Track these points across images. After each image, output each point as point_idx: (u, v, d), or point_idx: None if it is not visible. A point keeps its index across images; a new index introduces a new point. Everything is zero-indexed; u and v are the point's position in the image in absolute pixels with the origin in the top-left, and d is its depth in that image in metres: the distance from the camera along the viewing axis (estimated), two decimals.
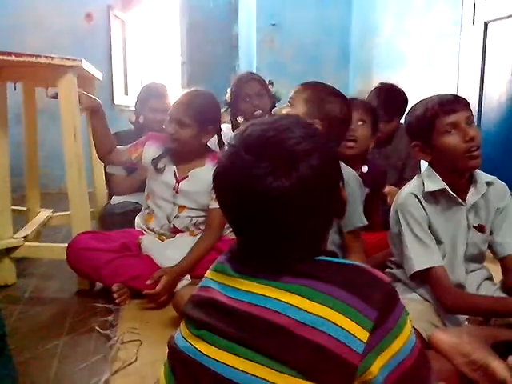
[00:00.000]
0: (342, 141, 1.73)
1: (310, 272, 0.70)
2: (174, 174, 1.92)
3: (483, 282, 1.47)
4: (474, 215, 1.42)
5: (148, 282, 1.70)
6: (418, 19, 3.44)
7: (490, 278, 1.50)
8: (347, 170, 1.63)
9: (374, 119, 2.13)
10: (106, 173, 2.50)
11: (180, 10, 4.69)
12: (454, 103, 1.34)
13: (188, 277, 1.80)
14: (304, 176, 0.67)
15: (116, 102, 4.36)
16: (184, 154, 1.92)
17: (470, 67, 2.93)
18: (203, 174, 1.87)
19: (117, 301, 1.73)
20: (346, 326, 0.65)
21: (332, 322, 0.65)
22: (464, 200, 1.40)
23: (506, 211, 1.44)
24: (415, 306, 1.37)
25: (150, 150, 1.96)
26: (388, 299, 0.68)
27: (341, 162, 1.65)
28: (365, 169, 2.12)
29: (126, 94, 4.55)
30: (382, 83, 2.59)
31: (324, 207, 0.72)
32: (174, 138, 1.84)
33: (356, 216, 1.62)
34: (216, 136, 1.99)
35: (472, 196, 1.40)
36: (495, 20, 2.77)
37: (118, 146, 2.00)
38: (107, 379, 1.26)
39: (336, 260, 0.72)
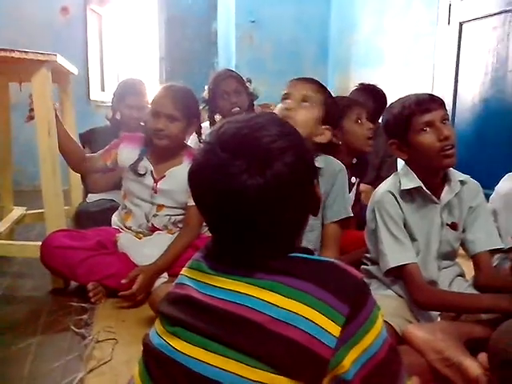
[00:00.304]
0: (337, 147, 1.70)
1: (283, 268, 0.70)
2: (152, 174, 1.90)
3: (455, 279, 1.50)
4: (447, 213, 1.45)
5: (123, 281, 1.68)
6: (396, 18, 3.49)
7: (461, 275, 1.54)
8: (338, 163, 1.64)
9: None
10: None
11: (158, 5, 4.65)
12: (430, 102, 1.36)
13: (165, 275, 1.79)
14: (279, 174, 0.68)
15: (92, 97, 4.29)
16: (162, 153, 1.90)
17: (445, 67, 2.99)
18: (181, 172, 1.86)
19: (92, 300, 1.71)
20: (319, 321, 0.66)
21: (305, 317, 0.66)
22: (438, 198, 1.43)
23: (478, 210, 1.47)
24: (389, 301, 1.40)
25: (125, 152, 1.93)
26: (360, 295, 0.69)
27: (329, 156, 1.68)
28: (354, 160, 2.17)
29: (103, 89, 4.49)
30: (362, 83, 2.61)
31: (298, 204, 0.73)
32: (164, 134, 1.81)
33: (340, 208, 1.61)
34: (195, 133, 1.99)
35: (446, 194, 1.43)
36: (470, 21, 2.82)
37: (90, 154, 1.98)
38: (82, 378, 1.24)
39: (310, 257, 0.73)
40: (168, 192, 1.89)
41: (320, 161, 1.57)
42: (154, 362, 0.75)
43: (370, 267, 1.53)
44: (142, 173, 1.90)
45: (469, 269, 1.55)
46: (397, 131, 1.41)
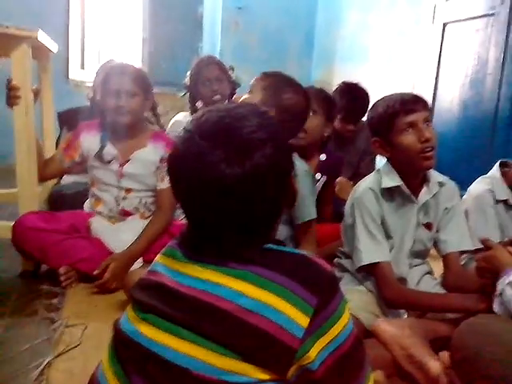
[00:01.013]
0: (297, 132, 1.73)
1: (256, 259, 0.71)
2: (116, 158, 1.88)
3: (424, 277, 1.53)
4: (423, 213, 1.48)
5: (95, 273, 1.67)
6: (381, 15, 3.51)
7: (430, 273, 1.57)
8: (298, 164, 1.66)
9: (328, 108, 2.16)
10: None
11: None
12: (414, 103, 1.38)
13: (140, 260, 1.78)
14: (257, 164, 0.69)
15: (71, 76, 4.19)
16: (124, 135, 1.88)
17: (427, 66, 3.03)
18: (146, 155, 1.85)
19: (63, 284, 1.69)
20: (288, 312, 0.67)
21: (274, 307, 0.67)
22: (417, 198, 1.45)
23: (453, 211, 1.51)
24: (359, 296, 1.43)
25: (87, 141, 1.91)
26: (329, 287, 0.71)
27: (293, 155, 1.70)
28: (322, 157, 2.17)
29: (83, 68, 4.39)
30: (345, 82, 2.61)
31: (275, 196, 0.74)
32: (126, 110, 1.80)
33: (305, 209, 1.65)
34: (153, 112, 1.99)
35: (424, 195, 1.46)
36: (453, 22, 2.86)
37: (50, 157, 1.94)
38: (50, 362, 1.24)
39: (282, 248, 0.74)
40: (134, 176, 1.88)
41: None
42: (123, 347, 0.75)
43: (343, 261, 1.56)
44: (109, 159, 1.88)
45: (437, 268, 1.59)
46: (380, 130, 1.43)
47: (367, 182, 1.48)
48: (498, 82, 2.52)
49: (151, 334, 0.71)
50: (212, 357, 0.66)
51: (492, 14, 2.58)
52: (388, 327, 1.26)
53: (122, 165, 1.88)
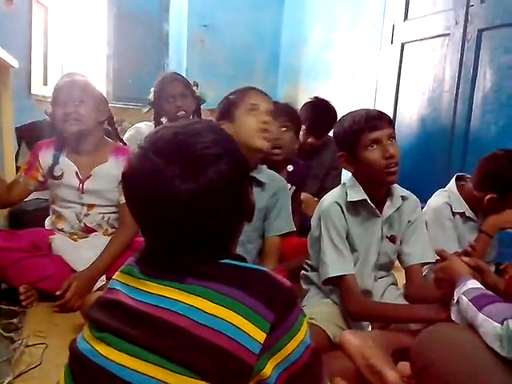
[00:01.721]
0: None
1: (213, 274, 0.71)
2: (76, 174, 1.86)
3: (388, 288, 1.57)
4: (388, 227, 1.52)
5: (58, 293, 1.63)
6: (344, 34, 3.60)
7: (394, 283, 1.61)
8: (281, 180, 1.71)
9: (297, 122, 2.22)
10: (17, 167, 2.36)
11: (108, 1, 4.54)
12: (379, 120, 1.42)
13: (103, 278, 1.74)
14: (212, 180, 0.69)
15: (34, 91, 4.12)
16: (81, 148, 1.86)
17: (387, 84, 3.12)
18: (107, 170, 1.84)
19: (23, 303, 1.64)
20: (244, 327, 0.67)
21: (230, 322, 0.67)
22: (381, 212, 1.49)
23: (415, 224, 1.55)
24: (325, 308, 1.46)
25: (46, 158, 1.88)
26: (286, 303, 0.71)
27: (272, 172, 1.75)
28: (290, 168, 2.22)
29: (45, 84, 4.31)
30: (315, 97, 2.68)
31: (231, 212, 0.74)
32: (74, 118, 1.78)
33: (285, 221, 1.69)
34: (110, 125, 1.98)
35: (388, 209, 1.49)
36: (411, 41, 2.97)
37: (13, 180, 1.91)
38: (10, 382, 1.20)
39: (240, 264, 0.74)
40: (96, 191, 1.86)
41: (263, 175, 1.63)
42: (79, 366, 0.74)
43: (310, 273, 1.58)
44: (57, 175, 1.85)
45: (400, 278, 1.63)
46: (346, 145, 1.46)
47: (333, 195, 1.50)
48: (454, 100, 2.62)
49: (107, 353, 0.70)
50: (169, 376, 0.66)
51: (447, 34, 2.69)
52: (352, 338, 1.28)
53: (82, 181, 1.85)
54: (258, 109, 1.60)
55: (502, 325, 0.97)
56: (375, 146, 1.39)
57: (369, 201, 1.46)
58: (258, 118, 1.59)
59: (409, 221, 1.54)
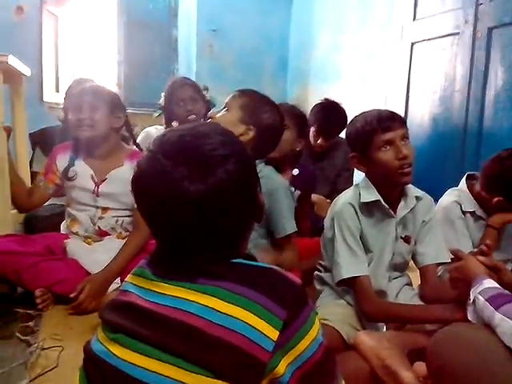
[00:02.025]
0: (274, 148, 1.76)
1: (225, 274, 0.72)
2: (92, 177, 1.88)
3: (403, 288, 1.56)
4: (402, 227, 1.50)
5: (72, 295, 1.65)
6: (352, 36, 3.60)
7: (409, 284, 1.60)
8: (277, 180, 1.69)
9: (300, 123, 2.20)
10: (32, 172, 2.39)
11: (117, 9, 4.57)
12: (392, 121, 1.40)
13: (118, 281, 1.75)
14: (220, 180, 0.70)
15: (46, 99, 4.17)
16: (97, 152, 1.89)
17: (397, 85, 3.11)
18: (123, 174, 1.85)
19: (39, 306, 1.66)
20: (257, 325, 0.67)
21: (244, 321, 0.67)
22: (395, 212, 1.47)
23: (430, 224, 1.54)
24: (339, 309, 1.45)
25: (63, 161, 1.91)
26: (298, 300, 0.71)
27: (270, 170, 1.72)
28: (295, 172, 2.20)
29: (57, 91, 4.37)
30: (325, 99, 2.68)
31: (240, 211, 0.75)
32: (87, 124, 1.80)
33: (284, 223, 1.67)
34: (127, 131, 2.00)
35: (402, 209, 1.48)
36: (421, 41, 2.96)
37: (33, 185, 1.94)
38: None
39: (251, 263, 0.75)
40: (111, 195, 1.87)
41: (260, 173, 1.61)
42: (94, 368, 0.75)
43: (323, 274, 1.57)
44: (71, 176, 1.88)
45: (415, 279, 1.61)
46: (358, 145, 1.45)
47: (346, 196, 1.49)
48: (466, 98, 2.60)
49: (121, 354, 0.71)
50: (184, 375, 0.66)
51: (457, 33, 2.67)
52: (367, 339, 1.27)
53: (98, 184, 1.87)
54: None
55: None
56: (388, 147, 1.38)
57: (382, 202, 1.45)
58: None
59: (423, 221, 1.53)
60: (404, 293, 1.54)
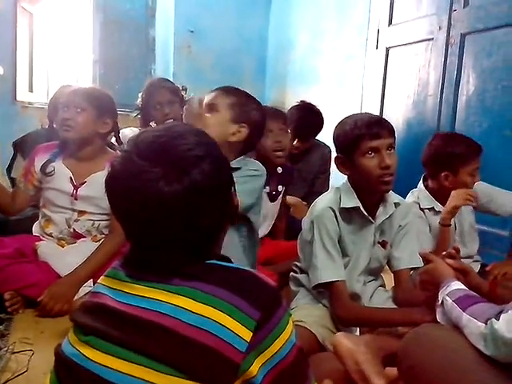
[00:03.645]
0: (259, 140, 1.76)
1: (198, 274, 0.72)
2: (71, 180, 1.85)
3: (377, 291, 1.58)
4: (380, 233, 1.52)
5: (39, 299, 1.62)
6: (330, 40, 3.63)
7: (382, 285, 1.62)
8: (254, 166, 1.67)
9: (288, 125, 2.25)
10: (11, 178, 2.35)
11: (94, 7, 4.51)
12: (381, 128, 1.40)
13: (90, 283, 1.72)
14: (195, 181, 0.70)
15: (19, 98, 4.09)
16: (79, 155, 1.86)
17: (373, 88, 3.16)
18: (103, 178, 1.81)
19: (9, 309, 1.63)
20: (231, 326, 0.67)
21: (217, 321, 0.68)
22: (374, 217, 1.49)
23: (406, 228, 1.56)
24: (314, 311, 1.46)
25: (42, 162, 1.88)
26: (272, 301, 0.72)
27: (251, 161, 1.68)
28: (279, 170, 2.23)
29: (31, 90, 4.29)
30: (302, 101, 2.70)
31: (215, 212, 0.75)
32: (69, 124, 1.78)
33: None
34: (115, 137, 1.98)
35: (381, 215, 1.50)
36: (396, 46, 3.01)
37: (14, 189, 1.92)
38: None
39: (225, 264, 0.75)
40: (89, 198, 1.85)
41: (240, 163, 1.58)
42: (65, 371, 0.74)
43: (299, 275, 1.58)
44: (49, 171, 1.85)
45: (387, 280, 1.64)
46: (344, 148, 1.45)
47: (327, 200, 1.49)
48: (439, 103, 2.66)
49: (93, 356, 0.70)
50: (156, 377, 0.66)
51: (431, 39, 2.73)
52: (345, 341, 1.28)
53: (76, 187, 1.85)
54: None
55: (485, 324, 0.98)
56: (373, 154, 1.39)
57: (362, 209, 1.46)
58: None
59: (400, 225, 1.55)
60: (378, 295, 1.56)
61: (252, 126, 1.58)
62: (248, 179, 1.56)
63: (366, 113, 1.51)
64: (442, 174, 1.84)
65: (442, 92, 2.64)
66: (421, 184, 1.98)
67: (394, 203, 1.52)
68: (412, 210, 1.62)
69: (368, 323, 1.43)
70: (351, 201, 1.46)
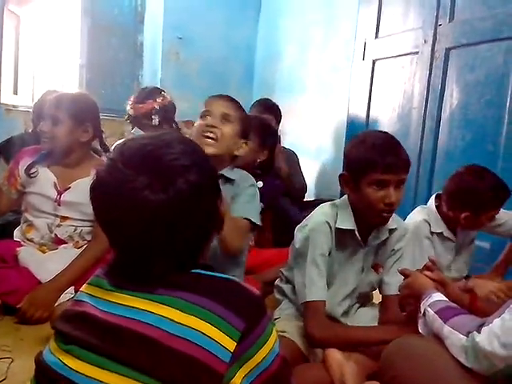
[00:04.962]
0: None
1: (183, 284, 0.72)
2: (55, 185, 1.84)
3: (360, 309, 1.54)
4: (371, 256, 1.49)
5: (18, 306, 1.60)
6: (317, 51, 3.67)
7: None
8: (248, 178, 1.68)
9: (262, 133, 2.23)
10: None
11: (81, 11, 4.49)
12: (396, 160, 1.31)
13: (71, 290, 1.69)
14: (181, 190, 0.70)
15: (3, 100, 4.05)
16: (64, 161, 1.85)
17: (359, 100, 3.19)
18: (87, 184, 1.79)
19: None
20: (215, 336, 0.67)
21: (201, 331, 0.67)
22: (367, 239, 1.45)
23: (398, 253, 1.51)
24: (297, 322, 1.44)
25: (27, 165, 1.86)
26: (256, 311, 0.72)
27: (243, 172, 1.69)
28: (260, 184, 2.21)
29: (16, 93, 4.24)
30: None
31: (200, 221, 0.75)
32: (48, 136, 1.77)
33: (249, 209, 1.60)
34: (100, 142, 1.96)
35: (373, 239, 1.46)
36: (382, 59, 3.05)
37: None
38: None
39: (209, 273, 0.75)
40: (73, 204, 1.83)
41: (233, 174, 1.61)
42: (46, 379, 0.73)
43: (284, 285, 1.56)
44: (32, 172, 1.83)
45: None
46: (352, 169, 1.38)
47: (324, 214, 1.43)
48: (423, 116, 2.69)
49: (74, 365, 0.70)
50: None
51: (416, 53, 2.77)
52: (336, 353, 1.29)
53: (60, 193, 1.83)
54: None
55: (467, 337, 1.00)
56: (380, 188, 1.31)
57: (356, 233, 1.41)
58: None
59: (393, 249, 1.51)
60: (362, 314, 1.52)
61: (248, 141, 1.64)
62: (251, 199, 1.60)
63: (386, 135, 1.38)
64: (463, 215, 1.77)
65: (426, 105, 2.68)
66: (432, 203, 1.89)
67: (389, 230, 1.46)
68: (407, 235, 1.54)
69: (343, 343, 1.32)
70: (347, 222, 1.40)
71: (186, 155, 0.73)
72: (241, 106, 1.63)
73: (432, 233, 1.85)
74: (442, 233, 1.86)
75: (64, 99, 1.80)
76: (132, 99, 2.52)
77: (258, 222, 1.60)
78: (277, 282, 1.61)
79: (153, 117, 2.40)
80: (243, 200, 1.57)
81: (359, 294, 1.51)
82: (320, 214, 1.44)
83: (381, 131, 1.44)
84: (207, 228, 0.79)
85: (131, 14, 4.77)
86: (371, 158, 1.31)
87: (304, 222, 1.47)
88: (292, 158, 2.93)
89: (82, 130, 1.82)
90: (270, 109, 2.98)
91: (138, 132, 2.39)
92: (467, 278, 1.95)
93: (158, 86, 2.82)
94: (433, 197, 1.93)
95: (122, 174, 0.70)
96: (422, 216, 1.86)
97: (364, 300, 1.57)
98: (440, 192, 1.92)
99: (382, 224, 1.42)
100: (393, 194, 1.31)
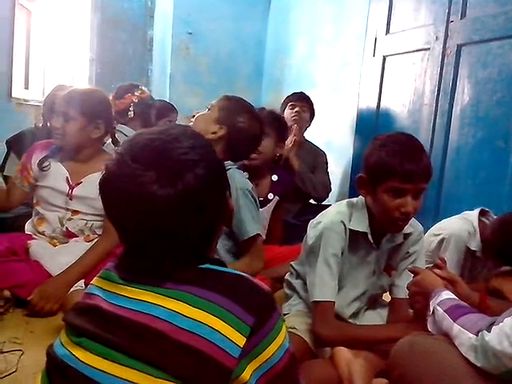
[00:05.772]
0: (250, 154, 1.87)
1: (192, 279, 0.72)
2: (67, 180, 1.85)
3: (368, 311, 1.53)
4: (383, 259, 1.47)
5: (29, 298, 1.61)
6: (327, 47, 3.65)
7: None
8: (240, 180, 1.71)
9: (279, 127, 2.24)
10: (4, 176, 2.33)
11: (92, 6, 4.51)
12: (417, 169, 1.26)
13: (81, 283, 1.70)
14: (189, 185, 0.70)
15: (14, 95, 4.07)
16: (76, 156, 1.87)
17: (369, 96, 3.17)
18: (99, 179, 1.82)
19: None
20: (224, 331, 0.67)
21: (210, 326, 0.67)
22: (380, 242, 1.43)
23: (412, 256, 1.49)
24: (306, 319, 1.44)
25: (39, 159, 1.88)
26: (266, 307, 0.72)
27: (237, 171, 1.75)
28: (274, 177, 2.22)
29: (27, 87, 4.27)
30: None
31: (209, 216, 0.75)
32: (59, 133, 1.79)
33: (245, 225, 1.68)
34: (112, 139, 1.97)
35: (387, 243, 1.44)
36: (392, 55, 3.03)
37: (9, 185, 1.92)
38: None
39: (219, 268, 0.75)
40: (84, 198, 1.84)
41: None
42: (57, 371, 0.74)
43: (294, 280, 1.55)
44: (45, 166, 1.85)
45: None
46: (371, 173, 1.33)
47: (339, 213, 1.40)
48: (434, 113, 2.67)
49: (85, 358, 0.70)
50: (146, 380, 0.66)
51: (428, 49, 2.74)
52: (346, 351, 1.29)
53: (72, 187, 1.84)
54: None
55: (476, 336, 0.99)
56: (396, 196, 1.27)
57: (369, 236, 1.39)
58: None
59: (407, 252, 1.48)
60: (370, 315, 1.52)
61: (233, 132, 1.67)
62: (252, 207, 1.70)
63: (409, 140, 1.32)
64: (504, 269, 1.75)
65: (437, 102, 2.66)
66: (475, 219, 1.87)
67: (404, 234, 1.43)
68: (421, 240, 1.50)
69: (352, 342, 1.32)
70: (361, 224, 1.38)
71: (194, 150, 0.73)
72: (228, 99, 1.76)
73: (467, 247, 1.87)
74: (475, 251, 1.87)
75: (76, 96, 1.81)
76: (111, 97, 2.51)
77: (257, 231, 1.72)
78: (287, 276, 1.60)
79: (130, 109, 2.39)
80: (242, 217, 1.67)
81: (369, 296, 1.50)
82: (336, 213, 1.41)
83: (404, 133, 1.37)
84: (216, 222, 0.79)
85: (141, 8, 4.78)
86: (390, 164, 1.26)
87: (318, 217, 1.45)
88: (318, 156, 2.86)
89: (94, 126, 1.83)
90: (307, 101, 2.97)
91: (122, 129, 2.37)
92: None
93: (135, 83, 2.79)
94: (477, 211, 1.90)
95: (131, 169, 0.70)
96: (467, 227, 1.86)
97: (374, 302, 1.56)
98: (485, 209, 1.91)
99: (397, 232, 1.40)
100: (410, 204, 1.27)
